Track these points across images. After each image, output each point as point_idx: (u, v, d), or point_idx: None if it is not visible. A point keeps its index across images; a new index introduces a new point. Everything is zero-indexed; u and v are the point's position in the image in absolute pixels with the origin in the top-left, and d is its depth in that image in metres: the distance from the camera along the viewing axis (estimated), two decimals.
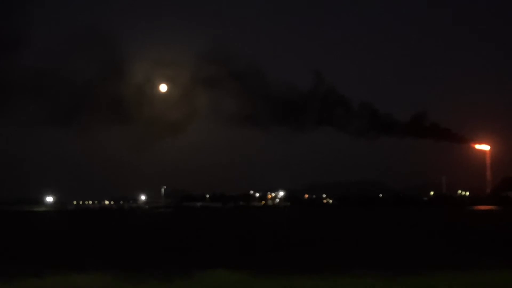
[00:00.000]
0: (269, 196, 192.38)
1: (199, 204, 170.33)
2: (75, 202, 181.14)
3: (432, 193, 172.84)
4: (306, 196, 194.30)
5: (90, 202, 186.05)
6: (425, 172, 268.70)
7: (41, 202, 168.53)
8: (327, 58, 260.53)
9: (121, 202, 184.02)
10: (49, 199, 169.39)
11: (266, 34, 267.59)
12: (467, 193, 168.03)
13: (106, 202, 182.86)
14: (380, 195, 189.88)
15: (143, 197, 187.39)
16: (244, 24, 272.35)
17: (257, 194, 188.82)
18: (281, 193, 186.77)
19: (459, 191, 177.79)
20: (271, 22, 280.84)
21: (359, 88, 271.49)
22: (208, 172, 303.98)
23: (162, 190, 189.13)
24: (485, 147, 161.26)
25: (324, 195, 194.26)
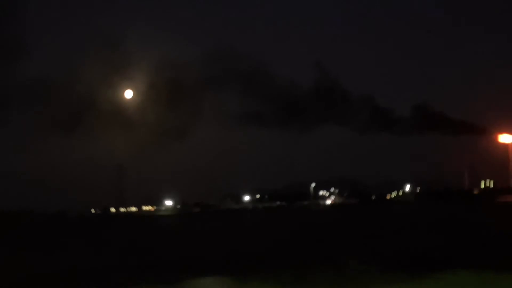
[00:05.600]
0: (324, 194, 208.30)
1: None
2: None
3: (482, 186, 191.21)
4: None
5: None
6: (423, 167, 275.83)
7: (162, 205, 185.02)
8: (328, 52, 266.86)
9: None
10: (169, 202, 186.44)
11: (266, 28, 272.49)
12: None
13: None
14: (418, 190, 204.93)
15: (247, 198, 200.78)
16: (243, 19, 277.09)
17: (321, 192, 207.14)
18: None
19: (484, 182, 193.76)
20: (271, 15, 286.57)
21: (363, 82, 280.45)
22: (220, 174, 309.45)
23: (312, 186, 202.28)
24: (508, 139, 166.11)
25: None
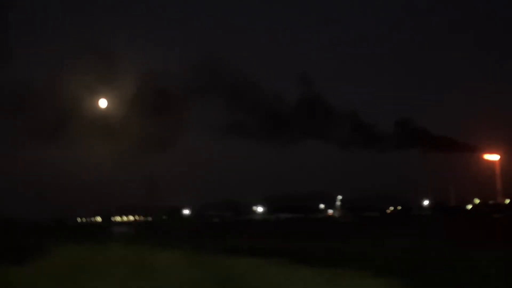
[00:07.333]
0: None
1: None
2: None
3: (477, 201, 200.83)
4: None
5: None
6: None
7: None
8: (313, 66, 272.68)
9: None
10: (186, 211, 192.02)
11: (252, 40, 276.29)
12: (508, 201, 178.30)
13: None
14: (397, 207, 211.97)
15: (260, 209, 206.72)
16: (230, 30, 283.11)
17: (322, 205, 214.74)
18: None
19: (475, 200, 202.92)
20: (257, 28, 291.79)
21: (348, 97, 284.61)
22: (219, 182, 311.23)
23: (338, 199, 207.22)
24: (494, 157, 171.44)
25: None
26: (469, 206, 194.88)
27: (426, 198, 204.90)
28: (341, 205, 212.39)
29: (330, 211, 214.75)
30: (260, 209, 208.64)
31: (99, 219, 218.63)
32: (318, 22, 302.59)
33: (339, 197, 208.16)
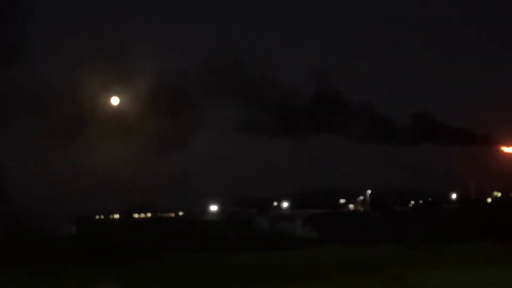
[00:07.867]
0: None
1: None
2: None
3: (498, 194, 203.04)
4: None
5: None
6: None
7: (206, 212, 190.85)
8: (330, 61, 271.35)
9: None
10: (214, 207, 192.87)
11: (267, 36, 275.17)
12: None
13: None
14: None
15: (285, 204, 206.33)
16: (244, 27, 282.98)
17: (343, 200, 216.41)
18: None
19: (496, 193, 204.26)
20: (272, 23, 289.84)
21: (364, 91, 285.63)
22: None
23: (368, 193, 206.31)
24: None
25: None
26: (489, 200, 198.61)
27: (453, 191, 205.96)
28: (365, 200, 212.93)
29: (351, 206, 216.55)
30: (285, 204, 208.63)
31: (117, 216, 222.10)
32: (333, 16, 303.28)
33: (369, 191, 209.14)
